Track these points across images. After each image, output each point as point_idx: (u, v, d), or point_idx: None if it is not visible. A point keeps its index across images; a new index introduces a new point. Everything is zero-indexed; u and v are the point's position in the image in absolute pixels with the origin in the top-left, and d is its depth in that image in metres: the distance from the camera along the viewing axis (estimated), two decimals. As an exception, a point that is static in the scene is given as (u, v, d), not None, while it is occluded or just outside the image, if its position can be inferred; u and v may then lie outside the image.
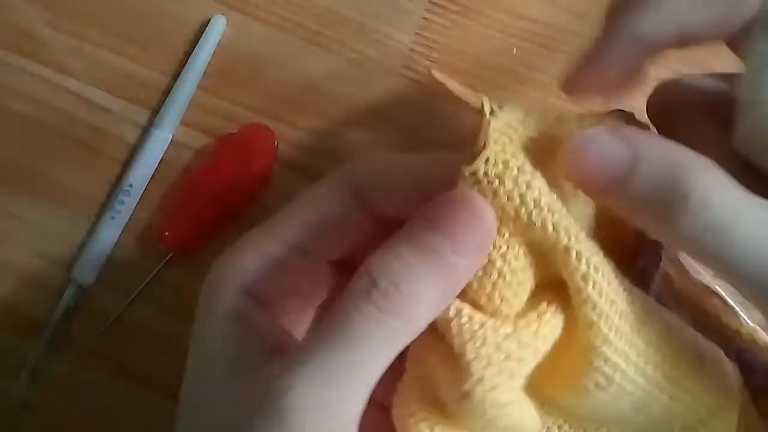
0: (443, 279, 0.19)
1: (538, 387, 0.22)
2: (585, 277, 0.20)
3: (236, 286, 0.22)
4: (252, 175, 0.36)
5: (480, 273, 0.20)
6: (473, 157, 0.20)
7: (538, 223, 0.20)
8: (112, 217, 0.36)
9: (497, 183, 0.20)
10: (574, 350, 0.21)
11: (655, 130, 0.23)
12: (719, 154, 0.19)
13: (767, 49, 0.20)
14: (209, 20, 0.38)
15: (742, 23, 0.21)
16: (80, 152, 0.37)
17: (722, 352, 0.22)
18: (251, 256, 0.22)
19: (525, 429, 0.21)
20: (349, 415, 0.19)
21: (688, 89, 0.24)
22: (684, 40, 0.22)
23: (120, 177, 0.37)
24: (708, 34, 0.22)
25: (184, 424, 0.22)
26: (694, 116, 0.23)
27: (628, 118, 0.22)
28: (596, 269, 0.20)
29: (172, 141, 0.37)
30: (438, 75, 0.20)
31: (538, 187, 0.20)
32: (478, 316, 0.20)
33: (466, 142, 0.20)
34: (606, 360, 0.20)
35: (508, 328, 0.20)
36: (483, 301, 0.20)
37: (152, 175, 0.37)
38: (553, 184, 0.20)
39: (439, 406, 0.21)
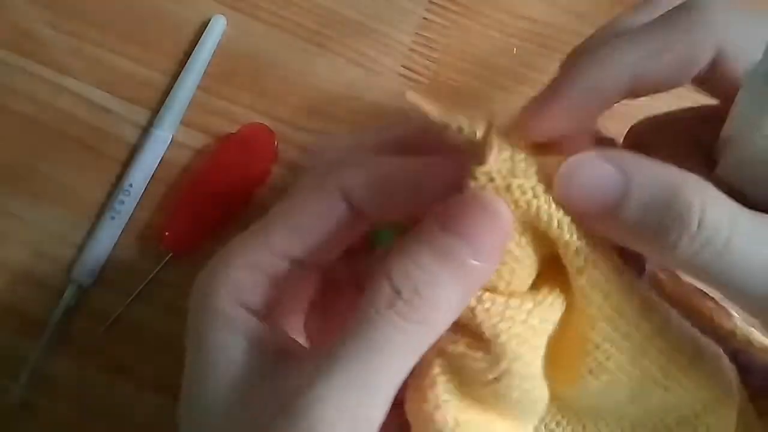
0: (463, 282, 0.20)
1: None
2: (581, 270, 0.20)
3: (231, 300, 0.22)
4: (252, 175, 0.36)
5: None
6: (478, 157, 0.20)
7: (545, 218, 0.20)
8: (112, 217, 0.36)
9: (510, 177, 0.20)
10: (571, 337, 0.21)
11: None
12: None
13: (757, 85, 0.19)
14: (209, 20, 0.38)
15: (698, 71, 0.21)
16: (80, 152, 0.37)
17: (721, 349, 0.22)
18: (243, 269, 0.22)
19: (542, 402, 0.22)
20: (374, 418, 0.19)
21: (661, 121, 0.24)
22: (638, 91, 0.21)
23: (120, 177, 0.37)
24: (663, 84, 0.21)
25: (189, 428, 0.21)
26: (672, 146, 0.23)
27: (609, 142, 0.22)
28: (595, 264, 0.20)
29: (172, 141, 0.37)
30: (413, 97, 0.20)
31: (540, 182, 0.20)
32: (500, 298, 0.21)
33: (458, 148, 0.20)
34: (598, 347, 0.21)
35: (528, 304, 0.21)
36: (500, 284, 0.21)
37: (152, 175, 0.37)
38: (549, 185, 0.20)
39: (458, 395, 0.21)
